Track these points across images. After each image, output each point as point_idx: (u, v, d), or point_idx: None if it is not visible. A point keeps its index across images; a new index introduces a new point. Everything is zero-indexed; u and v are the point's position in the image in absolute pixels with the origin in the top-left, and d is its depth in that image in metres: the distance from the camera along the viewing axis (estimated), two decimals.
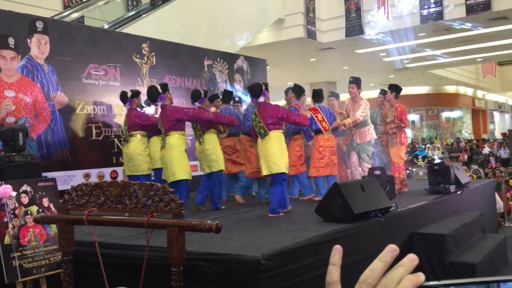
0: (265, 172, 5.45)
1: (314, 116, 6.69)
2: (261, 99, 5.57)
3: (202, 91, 6.32)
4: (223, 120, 6.15)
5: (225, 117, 6.25)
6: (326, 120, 6.70)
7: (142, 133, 6.11)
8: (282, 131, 5.67)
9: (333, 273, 0.69)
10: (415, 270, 0.65)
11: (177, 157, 5.38)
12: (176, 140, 5.44)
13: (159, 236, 3.00)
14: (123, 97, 6.24)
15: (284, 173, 5.41)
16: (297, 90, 7.15)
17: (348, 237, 4.23)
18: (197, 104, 6.25)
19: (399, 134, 7.36)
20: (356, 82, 7.23)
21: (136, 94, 6.23)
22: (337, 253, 0.70)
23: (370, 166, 7.02)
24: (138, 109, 6.33)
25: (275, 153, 5.38)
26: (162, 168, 5.55)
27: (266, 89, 5.62)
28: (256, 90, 5.57)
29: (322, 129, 6.67)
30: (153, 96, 5.62)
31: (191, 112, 5.66)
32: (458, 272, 5.05)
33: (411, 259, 0.65)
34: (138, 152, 6.02)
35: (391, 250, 0.66)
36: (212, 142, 6.23)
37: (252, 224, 4.84)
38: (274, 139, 5.43)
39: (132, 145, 6.03)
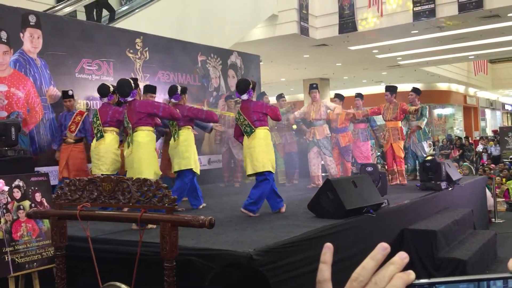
0: (249, 171, 5.19)
1: None
2: (245, 96, 5.27)
3: (179, 87, 5.92)
4: (200, 115, 5.84)
5: (202, 111, 5.97)
6: None
7: (117, 130, 5.89)
8: (268, 127, 5.40)
9: (324, 271, 0.69)
10: (406, 266, 0.66)
11: (146, 156, 4.97)
12: (146, 137, 5.03)
13: (152, 232, 3.01)
14: (104, 90, 5.95)
15: (269, 171, 5.13)
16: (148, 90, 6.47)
17: (340, 233, 4.27)
18: (172, 100, 5.86)
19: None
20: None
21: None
22: (328, 251, 0.70)
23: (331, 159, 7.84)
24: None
25: (260, 151, 5.12)
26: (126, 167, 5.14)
27: (253, 88, 5.35)
28: (241, 86, 5.29)
29: None
30: (125, 91, 5.06)
31: (162, 105, 5.24)
32: (448, 268, 5.10)
33: (402, 257, 0.65)
34: (111, 150, 5.75)
35: (382, 248, 0.66)
36: (187, 138, 5.75)
37: (244, 220, 4.86)
38: (260, 136, 5.20)
39: (107, 142, 5.73)
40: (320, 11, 13.58)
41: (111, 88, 5.95)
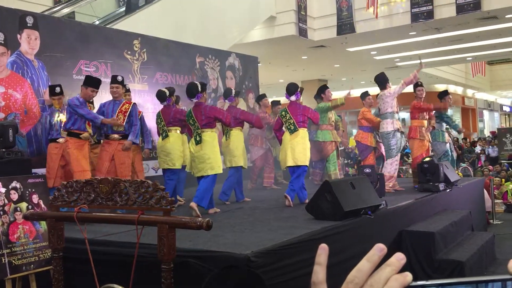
0: (290, 163, 5.97)
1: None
2: (293, 97, 6.15)
3: (233, 90, 6.95)
4: (251, 119, 6.76)
5: (252, 116, 6.90)
6: None
7: (179, 128, 6.45)
8: (307, 129, 6.24)
9: (319, 273, 0.68)
10: (404, 267, 0.65)
11: (216, 152, 5.69)
12: (214, 137, 5.72)
13: (150, 233, 3.00)
14: (163, 96, 6.45)
15: (306, 166, 6.05)
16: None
17: (339, 235, 4.26)
18: (227, 101, 6.92)
19: None
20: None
21: (173, 92, 6.60)
22: (323, 253, 0.68)
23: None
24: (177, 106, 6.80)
25: (301, 148, 5.98)
26: (192, 161, 5.74)
27: (301, 92, 6.36)
28: (292, 89, 6.17)
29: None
30: (192, 92, 5.69)
31: (226, 113, 5.93)
32: (446, 270, 5.09)
33: (398, 259, 0.64)
34: (176, 147, 6.31)
35: (378, 249, 0.65)
36: (238, 139, 6.62)
37: (243, 221, 4.85)
38: (302, 135, 6.04)
39: (172, 140, 6.31)
40: (318, 12, 13.59)
41: (167, 93, 6.47)
